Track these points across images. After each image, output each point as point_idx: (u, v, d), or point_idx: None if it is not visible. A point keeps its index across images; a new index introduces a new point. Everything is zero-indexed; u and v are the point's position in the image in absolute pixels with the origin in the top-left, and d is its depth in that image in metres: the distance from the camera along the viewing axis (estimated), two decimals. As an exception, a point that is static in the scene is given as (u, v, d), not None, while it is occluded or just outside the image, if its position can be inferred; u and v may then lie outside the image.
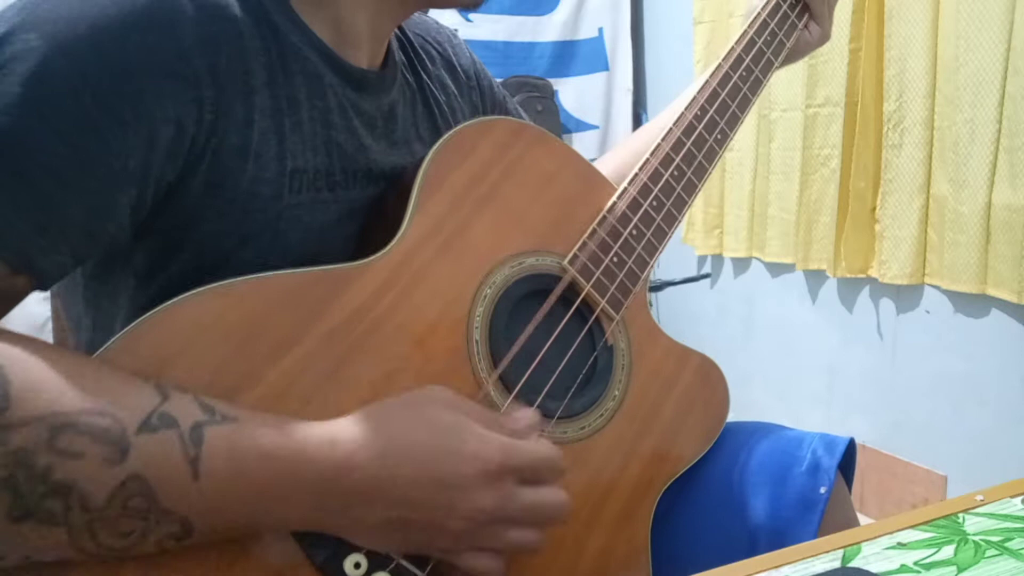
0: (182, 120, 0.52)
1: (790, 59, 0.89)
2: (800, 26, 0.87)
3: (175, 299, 0.50)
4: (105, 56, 0.49)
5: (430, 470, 0.50)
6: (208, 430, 0.46)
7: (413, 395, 0.54)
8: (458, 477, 0.50)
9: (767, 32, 0.83)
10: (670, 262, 2.61)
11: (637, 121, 2.75)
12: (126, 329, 0.49)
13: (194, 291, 0.51)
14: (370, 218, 0.66)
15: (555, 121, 2.59)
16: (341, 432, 0.50)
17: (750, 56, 0.81)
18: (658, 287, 2.32)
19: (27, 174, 0.47)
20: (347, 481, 0.49)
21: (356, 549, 0.52)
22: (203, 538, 0.47)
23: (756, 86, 0.81)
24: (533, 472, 0.54)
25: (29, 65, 0.47)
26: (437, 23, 0.84)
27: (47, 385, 0.44)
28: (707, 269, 2.51)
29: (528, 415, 0.57)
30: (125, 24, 0.50)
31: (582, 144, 2.69)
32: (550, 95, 2.60)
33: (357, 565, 0.51)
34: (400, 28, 0.77)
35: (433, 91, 0.77)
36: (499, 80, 0.89)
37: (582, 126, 2.71)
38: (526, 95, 2.50)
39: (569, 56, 2.67)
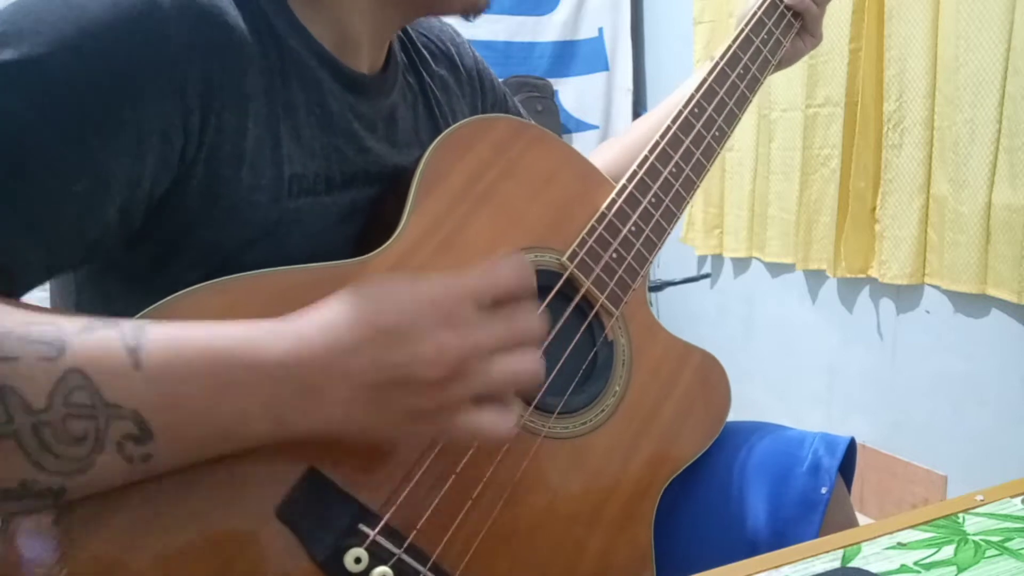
0: (168, 130, 0.52)
1: (784, 64, 0.89)
2: (797, 25, 0.87)
3: (172, 296, 0.50)
4: (94, 63, 0.49)
5: (374, 323, 0.48)
6: (149, 327, 0.46)
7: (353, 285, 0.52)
8: (403, 317, 0.48)
9: (764, 31, 0.83)
10: (670, 262, 2.61)
11: (637, 121, 2.74)
12: None
13: (190, 289, 0.51)
14: (369, 217, 0.66)
15: (555, 121, 2.59)
16: (285, 320, 0.48)
17: (747, 54, 0.82)
18: (658, 287, 2.32)
19: (16, 173, 0.47)
20: (295, 362, 0.47)
21: (357, 543, 0.51)
22: (167, 445, 0.45)
23: (753, 84, 0.82)
24: (492, 288, 0.51)
25: (20, 69, 0.47)
26: (440, 22, 0.84)
27: None
28: (707, 269, 2.51)
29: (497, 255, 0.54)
30: (115, 31, 0.49)
31: (582, 144, 2.69)
32: (550, 95, 2.60)
33: (358, 560, 0.51)
34: (403, 28, 0.77)
35: (434, 91, 0.76)
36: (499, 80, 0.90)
37: (582, 126, 2.71)
38: (526, 95, 2.50)
39: (569, 56, 2.67)
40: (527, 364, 0.51)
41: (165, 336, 0.46)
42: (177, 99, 0.52)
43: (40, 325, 0.44)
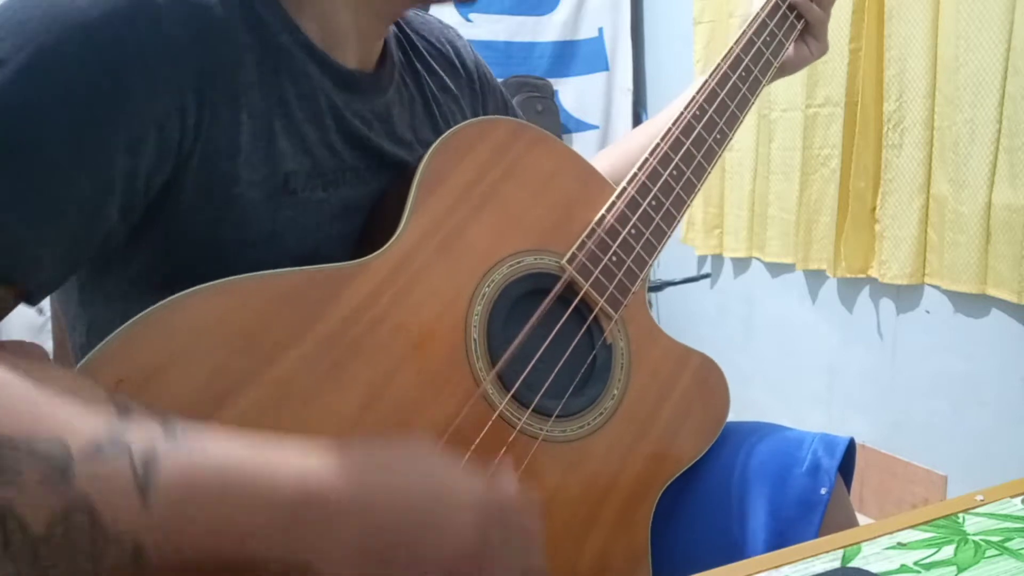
0: (164, 124, 0.52)
1: (789, 71, 0.89)
2: (799, 27, 0.87)
3: (171, 297, 0.50)
4: (89, 60, 0.49)
5: (411, 495, 0.47)
6: (162, 451, 0.43)
7: (396, 438, 0.50)
8: (441, 508, 0.47)
9: (766, 33, 0.83)
10: (670, 262, 2.61)
11: (637, 121, 2.75)
12: (121, 328, 0.49)
13: (191, 289, 0.51)
14: (368, 217, 0.66)
15: (555, 121, 2.59)
16: (315, 457, 0.46)
17: (749, 56, 0.82)
18: (658, 287, 2.32)
19: (19, 177, 0.47)
20: (318, 505, 0.44)
21: None
22: (161, 562, 0.43)
23: (755, 86, 0.81)
24: (515, 512, 0.50)
25: (13, 70, 0.46)
26: (440, 22, 0.84)
27: None
28: (707, 269, 2.51)
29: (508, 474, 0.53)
30: (109, 27, 0.49)
31: (582, 144, 2.69)
32: (550, 95, 2.60)
33: None
34: (400, 27, 0.76)
35: (433, 91, 0.76)
36: (499, 80, 0.89)
37: (582, 126, 2.71)
38: (526, 95, 2.50)
39: (569, 56, 2.67)
40: None
41: (178, 467, 0.43)
42: (172, 93, 0.52)
43: (47, 442, 0.41)
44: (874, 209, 1.91)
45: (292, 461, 0.45)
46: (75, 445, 0.42)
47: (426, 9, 0.79)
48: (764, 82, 0.83)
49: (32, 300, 0.50)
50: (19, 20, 0.48)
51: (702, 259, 2.51)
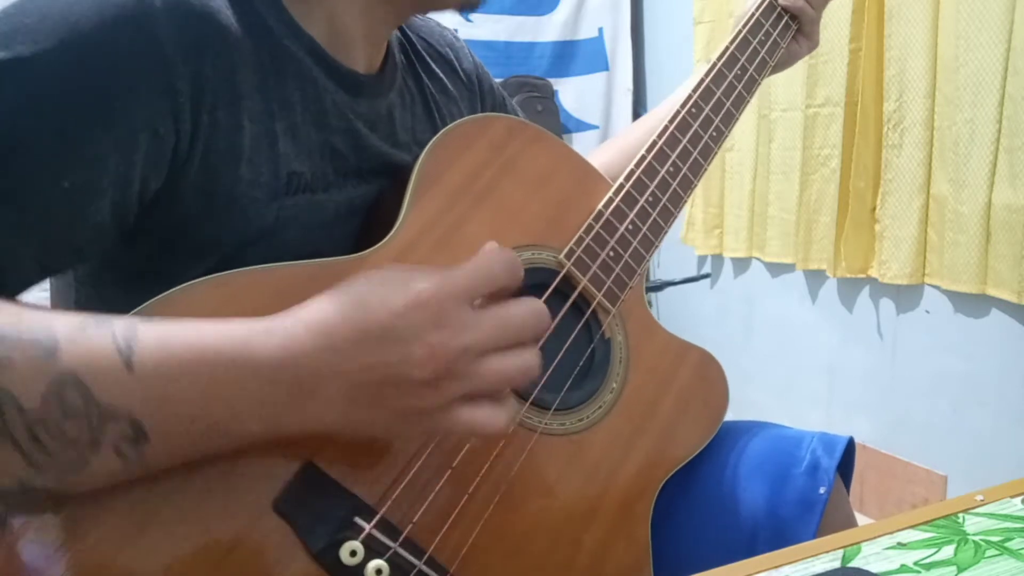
0: (158, 129, 0.52)
1: (781, 66, 0.89)
2: (795, 27, 0.87)
3: (170, 290, 0.50)
4: (85, 62, 0.49)
5: (363, 324, 0.47)
6: (141, 327, 0.46)
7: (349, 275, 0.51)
8: (392, 318, 0.47)
9: (761, 32, 0.84)
10: (670, 262, 2.61)
11: (637, 121, 2.74)
12: None
13: (189, 283, 0.51)
14: (367, 216, 0.66)
15: (555, 121, 2.59)
16: (275, 319, 0.48)
17: (744, 55, 0.82)
18: (658, 287, 2.32)
19: (6, 174, 0.47)
20: (288, 363, 0.46)
21: (353, 536, 0.51)
22: (162, 443, 0.45)
23: (751, 85, 0.82)
24: (483, 283, 0.50)
25: (8, 71, 0.47)
26: (440, 25, 0.84)
27: None
28: (707, 269, 2.51)
29: (485, 246, 0.53)
30: (105, 32, 0.49)
31: (582, 144, 2.69)
32: (550, 95, 2.60)
33: (353, 553, 0.51)
34: (401, 30, 0.77)
35: (433, 93, 0.76)
36: (499, 80, 0.90)
37: (582, 126, 2.72)
38: (526, 95, 2.50)
39: (569, 56, 2.68)
40: (520, 361, 0.50)
41: (156, 336, 0.46)
42: (167, 98, 0.52)
43: (31, 325, 0.44)
44: (874, 209, 1.91)
45: (254, 326, 0.47)
46: (59, 327, 0.45)
47: (423, 14, 0.79)
48: (760, 80, 0.83)
49: (8, 294, 0.50)
50: (15, 23, 0.48)
51: (702, 259, 2.51)
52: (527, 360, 0.51)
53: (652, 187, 0.72)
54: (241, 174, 0.56)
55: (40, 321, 0.45)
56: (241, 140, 0.56)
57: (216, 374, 0.46)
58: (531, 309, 0.51)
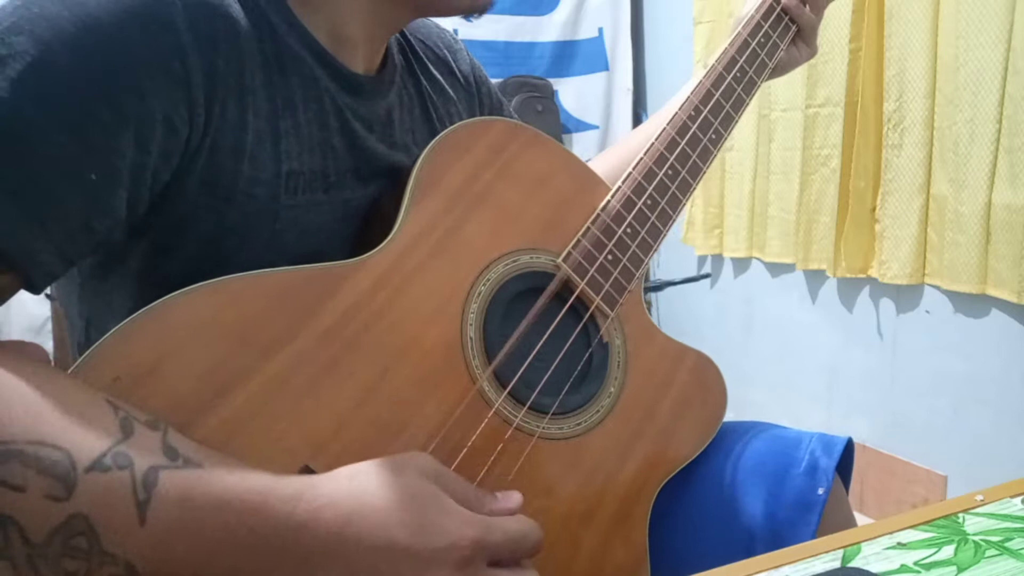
0: (173, 119, 0.52)
1: (779, 72, 0.89)
2: (794, 29, 0.87)
3: (168, 296, 0.50)
4: (103, 52, 0.49)
5: (398, 539, 0.47)
6: (164, 474, 0.44)
7: (391, 459, 0.50)
8: (427, 551, 0.47)
9: (760, 34, 0.84)
10: (670, 262, 2.61)
11: (637, 121, 2.75)
12: (119, 326, 0.49)
13: (187, 288, 0.51)
14: (366, 217, 0.66)
15: (555, 121, 2.59)
16: (308, 487, 0.47)
17: (744, 57, 0.82)
18: (658, 287, 2.32)
19: (26, 166, 0.47)
20: (307, 539, 0.45)
21: None
22: None
23: (750, 87, 0.82)
24: (509, 552, 0.50)
25: (27, 62, 0.47)
26: (439, 27, 0.84)
27: (2, 407, 0.42)
28: (707, 269, 2.51)
29: (512, 497, 0.53)
30: (123, 21, 0.50)
31: (582, 144, 2.69)
32: (550, 95, 2.60)
33: None
34: (401, 32, 0.77)
35: (432, 96, 0.77)
36: (499, 80, 0.90)
37: (582, 126, 2.72)
38: (526, 95, 2.50)
39: (569, 56, 2.68)
40: None
41: (177, 490, 0.44)
42: (183, 89, 0.52)
43: (52, 451, 0.42)
44: (874, 209, 1.91)
45: (285, 493, 0.46)
46: (78, 457, 0.43)
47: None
48: (759, 83, 0.83)
49: (35, 288, 0.50)
50: (34, 17, 0.48)
51: (702, 259, 2.51)
52: None
53: (650, 190, 0.72)
54: (243, 170, 0.57)
55: (61, 441, 0.43)
56: (246, 136, 0.56)
57: (229, 536, 0.45)
58: None
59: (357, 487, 0.48)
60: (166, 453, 0.45)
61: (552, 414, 0.63)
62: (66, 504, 0.42)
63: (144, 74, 0.51)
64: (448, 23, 0.85)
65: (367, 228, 0.66)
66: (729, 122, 0.79)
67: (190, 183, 0.55)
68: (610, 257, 0.68)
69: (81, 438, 0.43)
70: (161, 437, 0.45)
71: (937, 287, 1.80)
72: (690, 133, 0.76)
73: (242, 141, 0.56)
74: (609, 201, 0.70)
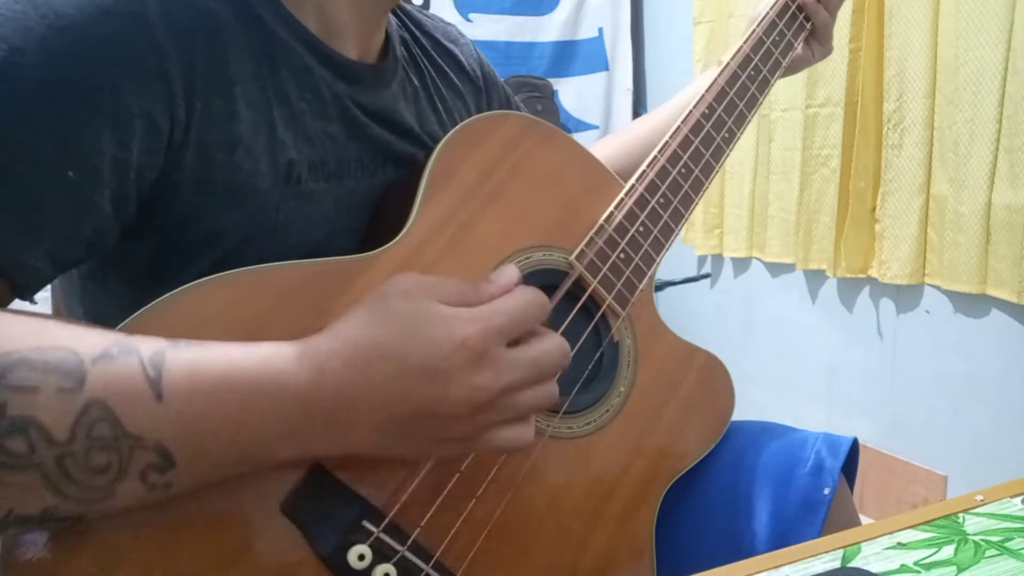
0: (153, 115, 0.52)
1: (791, 71, 0.89)
2: (808, 27, 0.87)
3: (176, 290, 0.50)
4: (73, 50, 0.49)
5: (404, 363, 0.48)
6: (169, 352, 0.45)
7: (372, 295, 0.51)
8: (435, 360, 0.48)
9: (775, 32, 0.83)
10: (670, 262, 2.59)
11: (637, 121, 2.74)
12: (125, 322, 0.49)
13: (195, 282, 0.51)
14: (376, 211, 0.66)
15: (555, 121, 2.59)
16: (307, 347, 0.48)
17: (758, 56, 0.82)
18: (658, 287, 2.31)
19: (6, 171, 0.47)
20: (321, 394, 0.47)
21: (361, 540, 0.51)
22: (190, 470, 0.45)
23: (764, 85, 0.82)
24: (519, 326, 0.51)
25: (1, 63, 0.47)
26: (443, 21, 0.84)
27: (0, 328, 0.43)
28: (707, 269, 2.51)
29: (504, 274, 0.54)
30: (93, 18, 0.49)
31: (582, 144, 2.69)
32: (550, 95, 2.60)
33: (361, 557, 0.51)
34: (405, 25, 0.77)
35: (438, 87, 0.76)
36: (499, 80, 0.89)
37: (582, 126, 2.71)
38: (526, 95, 2.50)
39: (569, 56, 2.67)
40: (545, 393, 0.53)
41: (185, 363, 0.45)
42: (161, 85, 0.52)
43: (56, 351, 0.43)
44: (874, 209, 1.91)
45: (286, 356, 0.47)
46: (85, 352, 0.43)
47: (427, 7, 0.79)
48: (772, 81, 0.83)
49: (25, 294, 0.50)
50: (6, 21, 0.48)
51: (702, 259, 2.51)
52: (552, 391, 0.53)
53: (663, 188, 0.72)
54: (239, 163, 0.56)
55: (64, 342, 0.44)
56: (237, 128, 0.56)
57: (246, 402, 0.45)
58: (559, 349, 0.53)
59: (352, 332, 0.49)
60: (167, 340, 0.46)
61: (563, 413, 0.63)
62: (80, 394, 0.42)
63: (118, 71, 0.50)
64: (448, 22, 0.85)
65: (377, 221, 0.65)
66: (743, 121, 0.79)
67: (183, 180, 0.54)
68: (623, 255, 0.68)
69: (83, 338, 0.44)
70: (160, 339, 0.46)
71: (937, 287, 1.80)
72: (704, 132, 0.75)
73: (233, 133, 0.56)
74: (623, 199, 0.69)
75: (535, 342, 0.52)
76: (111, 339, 0.45)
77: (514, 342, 0.51)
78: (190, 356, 0.45)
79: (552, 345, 0.53)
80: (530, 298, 0.53)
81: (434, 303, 0.50)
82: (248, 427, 0.46)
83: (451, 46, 0.81)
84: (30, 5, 0.48)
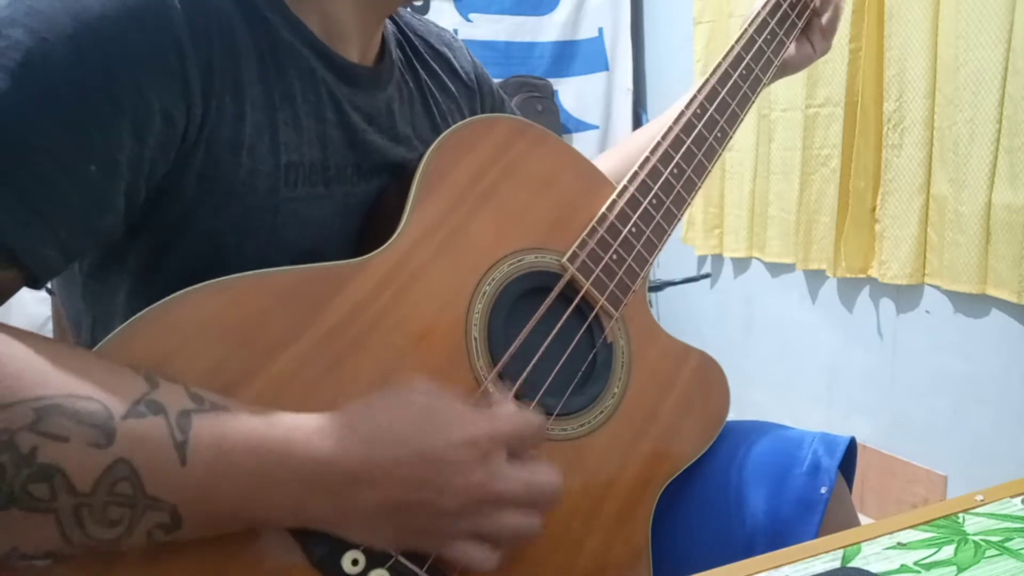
0: (171, 113, 0.52)
1: (791, 70, 0.89)
2: (801, 25, 0.87)
3: (173, 295, 0.50)
4: (100, 46, 0.49)
5: (417, 448, 0.50)
6: (196, 417, 0.46)
7: (391, 388, 0.53)
8: (446, 450, 0.51)
9: (767, 31, 0.83)
10: (670, 262, 2.61)
11: (637, 121, 2.75)
12: (122, 326, 0.49)
13: (192, 287, 0.51)
14: (369, 215, 0.66)
15: (555, 121, 2.59)
16: (327, 423, 0.50)
17: (750, 55, 0.82)
18: (658, 287, 2.32)
19: (27, 161, 0.47)
20: (335, 469, 0.49)
21: (354, 545, 0.51)
22: (193, 531, 0.46)
23: (756, 84, 0.82)
24: (519, 440, 0.54)
25: (24, 56, 0.47)
26: (437, 26, 0.84)
27: (33, 368, 0.44)
28: (707, 269, 2.51)
29: (507, 395, 0.58)
30: (119, 16, 0.50)
31: (582, 144, 2.69)
32: (550, 95, 2.60)
33: (355, 562, 0.51)
34: (400, 28, 0.77)
35: (433, 91, 0.76)
36: (499, 80, 0.90)
37: (582, 126, 2.71)
38: (526, 95, 2.50)
39: (569, 56, 2.67)
40: (528, 524, 0.54)
41: (211, 430, 0.46)
42: (180, 84, 0.53)
43: (88, 402, 0.44)
44: (874, 209, 1.91)
45: (307, 430, 0.49)
46: (114, 407, 0.44)
47: (425, 10, 0.79)
48: (765, 81, 0.83)
49: (37, 284, 0.51)
50: (29, 11, 0.48)
51: (702, 259, 2.51)
52: (534, 526, 0.55)
53: (656, 189, 0.72)
54: (242, 163, 0.57)
55: (95, 395, 0.44)
56: (243, 129, 0.57)
57: (265, 475, 0.47)
58: (554, 483, 0.56)
59: (370, 414, 0.51)
60: (192, 399, 0.47)
61: (557, 415, 0.63)
62: (108, 450, 0.43)
63: (141, 68, 0.51)
64: (448, 23, 0.85)
65: (369, 225, 0.65)
66: (735, 120, 0.79)
67: (188, 178, 0.55)
68: (615, 257, 0.68)
69: (112, 390, 0.45)
70: (184, 387, 0.48)
71: (937, 287, 1.80)
72: (695, 132, 0.76)
73: (240, 133, 0.56)
74: (615, 200, 0.70)
75: (533, 467, 0.55)
76: (140, 390, 0.46)
77: (511, 455, 0.54)
78: (217, 424, 0.47)
79: (549, 477, 0.55)
80: (530, 416, 0.56)
81: (450, 399, 0.53)
82: (259, 500, 0.48)
83: (445, 50, 0.81)
84: (66, 6, 0.49)
